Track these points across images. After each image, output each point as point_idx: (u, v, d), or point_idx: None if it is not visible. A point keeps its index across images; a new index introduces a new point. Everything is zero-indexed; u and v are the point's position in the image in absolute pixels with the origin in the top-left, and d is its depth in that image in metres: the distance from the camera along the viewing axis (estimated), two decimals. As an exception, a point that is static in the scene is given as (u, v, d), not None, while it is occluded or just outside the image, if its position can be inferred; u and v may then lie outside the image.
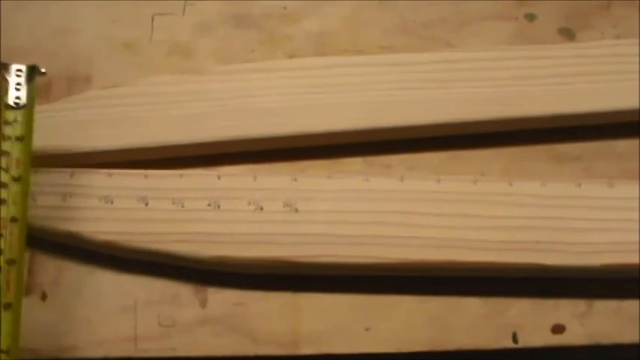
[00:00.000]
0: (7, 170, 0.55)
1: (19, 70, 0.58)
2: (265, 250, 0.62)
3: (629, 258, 0.62)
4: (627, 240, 0.62)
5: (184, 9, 0.75)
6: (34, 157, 0.63)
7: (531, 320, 0.64)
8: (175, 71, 0.70)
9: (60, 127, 0.66)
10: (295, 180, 0.64)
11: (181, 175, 0.65)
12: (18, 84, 0.58)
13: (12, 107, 0.57)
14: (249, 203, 0.63)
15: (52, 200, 0.63)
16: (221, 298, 0.64)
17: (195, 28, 0.74)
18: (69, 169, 0.64)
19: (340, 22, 0.75)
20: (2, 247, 0.54)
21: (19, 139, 0.57)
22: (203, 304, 0.64)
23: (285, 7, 0.76)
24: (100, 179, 0.64)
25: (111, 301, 0.63)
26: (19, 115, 0.57)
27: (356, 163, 0.69)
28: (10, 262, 0.54)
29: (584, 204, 0.64)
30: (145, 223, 0.63)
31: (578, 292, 0.65)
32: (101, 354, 0.61)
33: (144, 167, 0.65)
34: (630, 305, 0.64)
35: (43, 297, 0.64)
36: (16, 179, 0.55)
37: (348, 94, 0.68)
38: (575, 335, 0.64)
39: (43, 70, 0.59)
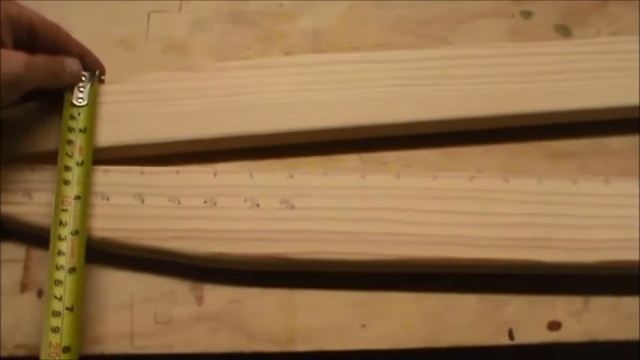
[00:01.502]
0: (71, 156, 0.63)
1: (82, 75, 0.67)
2: (261, 246, 0.62)
3: (626, 254, 0.62)
4: (623, 237, 0.63)
5: (180, 6, 0.75)
6: (29, 154, 0.64)
7: (527, 317, 0.64)
8: (171, 68, 0.70)
9: (55, 124, 0.66)
10: (291, 177, 0.64)
11: (177, 172, 0.65)
12: (81, 86, 0.67)
13: (76, 105, 0.66)
14: (245, 200, 0.63)
15: (48, 197, 0.63)
16: (217, 295, 0.64)
17: (191, 26, 0.75)
18: (65, 166, 0.64)
19: (336, 19, 0.75)
20: (67, 220, 0.61)
21: (82, 130, 0.65)
22: (199, 301, 0.64)
23: (281, 5, 0.76)
24: (96, 176, 0.64)
25: (107, 298, 0.63)
26: (81, 111, 0.66)
27: (352, 159, 0.69)
28: (74, 232, 0.60)
29: (581, 201, 0.64)
30: (141, 220, 0.63)
31: (574, 289, 0.65)
32: (98, 351, 0.61)
33: (140, 164, 0.65)
34: (627, 302, 0.64)
35: (40, 294, 0.64)
36: (79, 164, 0.63)
37: (343, 91, 0.68)
38: (572, 332, 0.64)
39: (103, 77, 0.69)
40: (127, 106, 0.67)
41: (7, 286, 0.64)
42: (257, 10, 0.76)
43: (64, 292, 0.58)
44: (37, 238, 0.64)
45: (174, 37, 0.74)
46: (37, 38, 0.63)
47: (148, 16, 0.75)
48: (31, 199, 0.63)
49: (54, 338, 0.57)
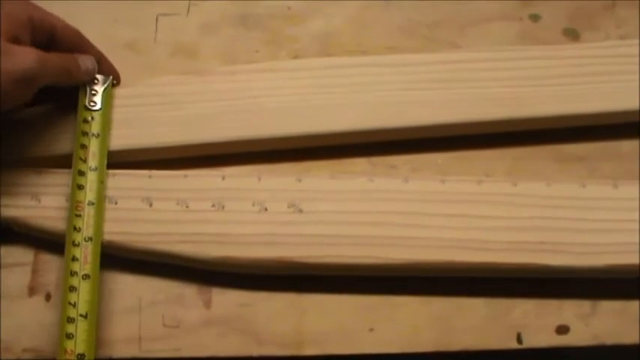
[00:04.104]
0: (84, 161, 0.63)
1: (95, 79, 0.67)
2: (270, 250, 0.62)
3: (634, 258, 0.62)
4: (632, 240, 0.63)
5: (189, 9, 0.75)
6: (38, 158, 0.64)
7: (536, 321, 0.64)
8: (179, 72, 0.70)
9: (64, 128, 0.66)
10: (300, 181, 0.64)
11: (186, 176, 0.65)
12: (93, 90, 0.66)
13: (88, 108, 0.66)
14: (253, 204, 0.63)
15: (56, 201, 0.63)
16: (225, 299, 0.64)
17: (200, 29, 0.75)
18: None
19: (345, 22, 0.75)
20: (81, 225, 0.61)
21: (95, 135, 0.65)
22: (207, 304, 0.64)
23: (289, 8, 0.76)
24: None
25: (115, 302, 0.63)
26: (94, 115, 0.66)
27: (360, 163, 0.69)
28: (88, 239, 0.61)
29: (589, 205, 0.64)
30: (149, 223, 0.63)
31: (582, 293, 0.65)
32: (105, 355, 0.61)
33: (148, 168, 0.65)
34: (635, 306, 0.64)
35: (47, 297, 0.64)
36: (92, 169, 0.63)
37: (352, 95, 0.68)
38: (580, 336, 0.64)
39: (114, 81, 0.68)
40: (135, 110, 0.67)
41: (15, 289, 0.64)
42: (265, 13, 0.75)
43: (78, 299, 0.59)
44: (44, 241, 0.64)
45: (182, 40, 0.74)
46: (57, 42, 0.63)
47: (156, 18, 0.75)
48: (39, 203, 0.63)
49: (68, 345, 0.57)
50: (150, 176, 0.65)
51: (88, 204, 0.62)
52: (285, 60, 0.74)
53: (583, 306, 0.64)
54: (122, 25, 0.75)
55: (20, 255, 0.65)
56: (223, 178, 0.65)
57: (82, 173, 0.63)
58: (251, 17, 0.75)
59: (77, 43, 0.65)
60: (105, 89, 0.67)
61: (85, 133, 0.64)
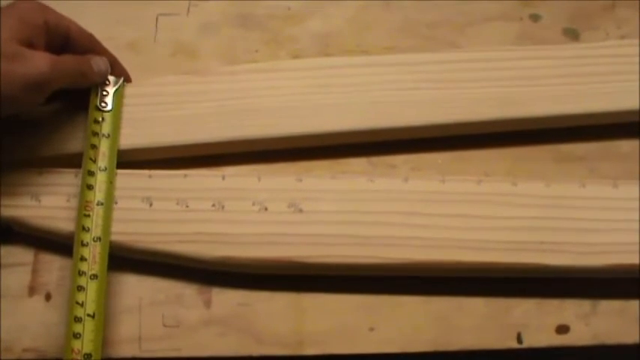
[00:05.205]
0: (94, 161, 0.63)
1: (106, 80, 0.67)
2: (270, 250, 0.62)
3: (634, 258, 0.62)
4: (632, 240, 0.62)
5: (189, 9, 0.75)
6: (44, 157, 0.64)
7: (536, 320, 0.64)
8: (179, 72, 0.70)
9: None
10: (300, 180, 0.64)
11: (186, 176, 0.65)
12: (104, 91, 0.67)
13: (99, 109, 0.66)
14: (253, 204, 0.63)
15: (56, 201, 0.63)
16: (225, 299, 0.64)
17: (200, 29, 0.75)
18: (73, 170, 0.64)
19: (344, 22, 0.75)
20: (89, 225, 0.61)
21: (106, 136, 0.65)
22: (207, 304, 0.64)
23: (289, 8, 0.76)
24: (105, 179, 0.64)
25: (115, 302, 0.63)
26: (105, 116, 0.66)
27: (360, 163, 0.69)
28: (96, 239, 0.61)
29: (589, 204, 0.64)
30: (149, 223, 0.63)
31: (582, 293, 0.65)
32: (105, 354, 0.61)
33: (148, 167, 0.65)
34: (635, 305, 0.64)
35: (48, 297, 0.64)
36: (102, 169, 0.63)
37: (352, 95, 0.68)
38: (580, 335, 0.63)
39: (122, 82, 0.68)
40: (135, 110, 0.67)
41: (15, 289, 0.64)
42: (265, 13, 0.76)
43: (86, 299, 0.59)
44: (44, 241, 0.64)
45: (182, 40, 0.74)
46: (71, 45, 0.64)
47: (156, 19, 0.75)
48: (39, 203, 0.63)
49: (75, 344, 0.57)
50: (150, 176, 0.65)
51: (97, 204, 0.62)
52: (285, 60, 0.74)
53: (583, 306, 0.64)
54: (122, 26, 0.75)
55: (20, 255, 0.65)
56: (223, 178, 0.65)
57: (91, 173, 0.63)
58: (251, 17, 0.75)
59: (90, 46, 0.65)
60: (116, 90, 0.67)
61: (95, 134, 0.65)
